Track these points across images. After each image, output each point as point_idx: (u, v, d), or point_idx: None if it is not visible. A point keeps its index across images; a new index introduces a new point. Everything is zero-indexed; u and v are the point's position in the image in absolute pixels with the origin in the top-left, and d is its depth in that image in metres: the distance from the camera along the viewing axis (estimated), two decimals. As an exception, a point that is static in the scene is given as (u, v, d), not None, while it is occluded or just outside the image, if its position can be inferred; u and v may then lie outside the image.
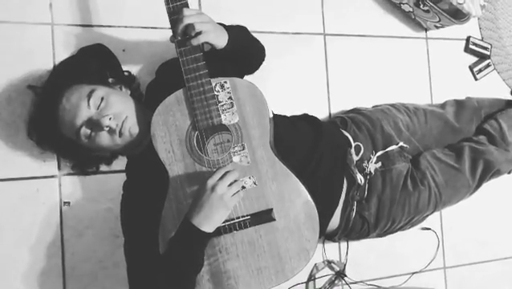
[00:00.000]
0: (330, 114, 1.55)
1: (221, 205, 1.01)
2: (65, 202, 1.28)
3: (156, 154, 1.10)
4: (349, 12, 1.60)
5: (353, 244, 1.51)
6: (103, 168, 1.29)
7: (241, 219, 1.06)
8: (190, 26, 1.05)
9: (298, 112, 1.38)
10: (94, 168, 1.26)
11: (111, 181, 1.31)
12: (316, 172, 1.21)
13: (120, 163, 1.30)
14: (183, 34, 1.07)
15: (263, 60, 1.34)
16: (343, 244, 1.50)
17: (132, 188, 1.20)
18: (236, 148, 1.09)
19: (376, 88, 1.60)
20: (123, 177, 1.26)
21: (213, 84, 1.09)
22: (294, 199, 1.07)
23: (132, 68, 1.33)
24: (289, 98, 1.50)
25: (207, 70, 1.08)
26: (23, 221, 1.24)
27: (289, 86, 1.51)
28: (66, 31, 1.29)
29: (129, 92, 1.23)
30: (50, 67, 1.26)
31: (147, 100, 1.28)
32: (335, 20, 1.58)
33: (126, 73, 1.28)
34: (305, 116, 1.37)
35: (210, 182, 1.01)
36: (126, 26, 1.34)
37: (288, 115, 1.34)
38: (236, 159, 1.08)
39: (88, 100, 1.09)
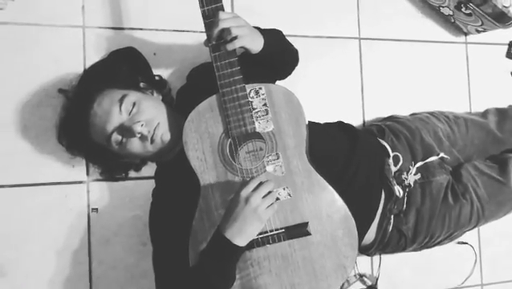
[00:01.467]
0: (364, 121, 1.49)
1: (254, 218, 0.96)
2: (93, 209, 1.25)
3: (186, 161, 1.06)
4: (385, 15, 1.54)
5: (386, 257, 1.45)
6: (131, 174, 1.26)
7: (274, 232, 1.01)
8: (226, 31, 1.01)
9: (331, 119, 1.33)
10: (123, 174, 1.24)
11: (140, 188, 1.28)
12: (352, 184, 1.16)
13: (149, 169, 1.28)
14: (218, 39, 1.03)
15: (296, 65, 1.30)
16: (376, 257, 1.44)
17: (161, 195, 1.17)
18: (270, 158, 1.04)
19: (413, 95, 1.53)
20: (151, 183, 1.23)
21: (248, 90, 1.05)
22: (331, 213, 1.02)
23: (163, 72, 1.29)
24: (321, 104, 1.44)
25: (242, 75, 1.04)
26: (51, 227, 1.22)
27: (322, 92, 1.46)
28: (97, 34, 1.27)
29: (161, 97, 1.20)
30: (81, 70, 1.24)
31: (177, 106, 1.25)
32: (371, 24, 1.52)
33: (157, 77, 1.26)
34: (339, 124, 1.32)
35: (244, 193, 0.97)
36: (157, 29, 1.31)
37: (321, 122, 1.29)
38: (270, 168, 1.04)
39: (120, 106, 1.06)
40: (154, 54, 1.30)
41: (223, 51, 1.03)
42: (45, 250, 1.21)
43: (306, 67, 1.37)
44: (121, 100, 1.07)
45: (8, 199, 1.19)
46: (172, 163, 1.17)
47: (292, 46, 1.26)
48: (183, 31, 1.33)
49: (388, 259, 1.44)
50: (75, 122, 1.10)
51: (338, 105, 1.47)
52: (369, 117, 1.50)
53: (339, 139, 1.22)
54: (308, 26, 1.45)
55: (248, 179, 1.02)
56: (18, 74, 1.21)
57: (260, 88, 1.05)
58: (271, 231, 1.01)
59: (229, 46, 1.02)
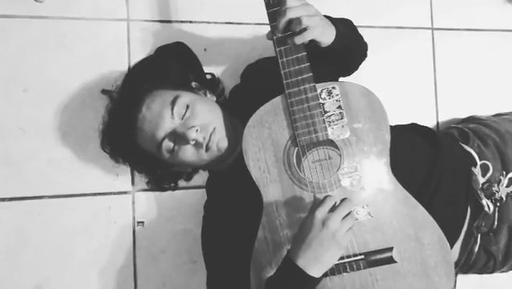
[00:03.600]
0: (438, 123, 1.32)
1: (332, 245, 0.81)
2: (139, 222, 1.13)
3: (245, 172, 0.92)
4: (461, 2, 1.35)
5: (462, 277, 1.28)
6: (180, 182, 1.13)
7: (352, 259, 0.86)
8: (296, 21, 0.86)
9: (400, 121, 1.16)
10: (172, 184, 1.11)
11: (190, 198, 1.15)
12: (435, 198, 0.99)
13: (199, 177, 1.15)
14: (285, 30, 0.88)
15: (364, 60, 1.15)
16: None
17: (215, 210, 1.03)
18: (345, 170, 0.89)
19: (494, 93, 1.34)
20: (203, 193, 1.11)
21: (319, 91, 0.90)
22: (421, 236, 0.86)
23: (214, 70, 1.16)
24: (389, 103, 1.23)
25: (312, 73, 0.90)
26: (94, 241, 1.11)
27: (389, 89, 1.28)
28: (143, 28, 1.14)
29: (215, 99, 1.07)
30: (126, 68, 1.12)
31: (230, 108, 1.11)
32: (445, 12, 1.34)
33: (209, 76, 1.12)
34: (415, 127, 1.15)
35: (320, 215, 0.81)
36: (208, 22, 1.18)
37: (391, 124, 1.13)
38: (345, 182, 0.89)
39: (172, 109, 0.93)
40: (204, 49, 1.17)
41: (290, 45, 0.89)
42: (87, 268, 1.10)
43: (372, 61, 1.19)
44: (173, 103, 0.94)
45: (47, 211, 1.08)
46: (227, 173, 1.04)
47: (363, 38, 1.10)
48: (237, 23, 1.19)
49: (464, 280, 1.28)
50: (120, 127, 0.98)
51: (407, 104, 1.30)
52: (444, 118, 1.32)
53: (419, 145, 1.05)
54: (375, 15, 1.29)
55: (320, 195, 0.87)
56: (57, 73, 1.10)
57: (333, 88, 0.90)
58: (348, 257, 0.86)
59: (299, 39, 0.87)
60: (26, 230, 1.08)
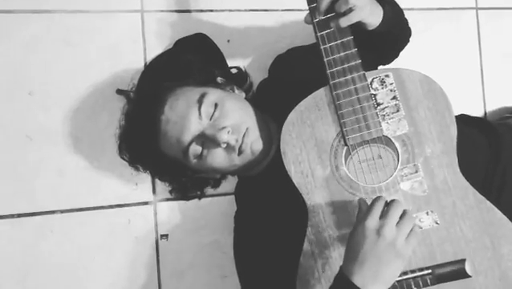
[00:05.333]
0: (485, 112, 1.20)
1: (393, 256, 0.69)
2: (162, 236, 1.02)
3: (281, 176, 0.80)
4: (508, -22, 1.23)
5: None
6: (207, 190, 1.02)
7: (417, 274, 0.73)
8: (339, 1, 0.75)
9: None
10: (198, 192, 0.99)
11: (217, 207, 1.04)
12: (501, 198, 0.86)
13: (226, 183, 1.02)
14: (327, 12, 0.77)
15: (405, 46, 1.03)
16: None
17: (247, 221, 0.92)
18: (405, 171, 0.77)
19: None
20: (231, 200, 1.00)
21: (369, 80, 0.77)
22: (499, 245, 0.73)
23: (238, 63, 1.03)
24: None
25: (360, 60, 0.78)
26: (113, 258, 1.00)
27: (430, 75, 1.17)
28: (158, 19, 1.02)
29: (243, 95, 0.95)
30: (142, 65, 1.01)
31: (259, 106, 1.00)
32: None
33: (234, 70, 1.01)
34: (467, 119, 1.02)
35: (371, 223, 0.69)
36: (231, 10, 1.06)
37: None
38: (405, 186, 0.77)
39: (199, 108, 0.82)
40: (228, 41, 1.05)
41: (334, 29, 0.77)
42: (108, 288, 1.00)
43: (411, 46, 1.08)
44: (200, 101, 0.82)
45: (59, 228, 0.97)
46: (259, 178, 0.92)
47: (408, 22, 0.98)
48: (262, 11, 1.07)
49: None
50: (140, 131, 0.86)
51: (452, 94, 1.12)
52: (492, 107, 1.20)
53: (477, 139, 0.93)
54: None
55: (368, 200, 0.75)
56: (66, 73, 0.99)
57: (387, 76, 0.78)
58: (412, 272, 0.74)
59: (344, 22, 0.75)
60: (38, 249, 0.97)
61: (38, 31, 0.98)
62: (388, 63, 1.04)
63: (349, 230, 0.75)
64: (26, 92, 0.97)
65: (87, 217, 0.99)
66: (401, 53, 1.02)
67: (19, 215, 0.96)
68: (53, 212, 0.97)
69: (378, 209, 0.71)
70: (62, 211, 0.98)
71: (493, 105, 1.20)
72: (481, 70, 1.20)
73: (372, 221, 0.70)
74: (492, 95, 1.20)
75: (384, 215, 0.70)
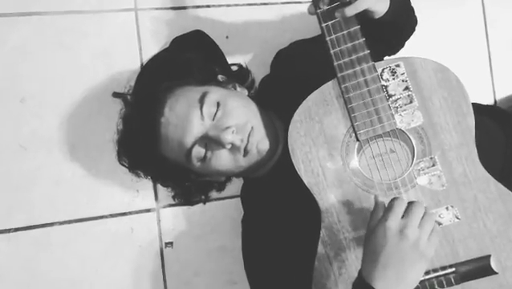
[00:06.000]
0: (495, 100, 1.16)
1: (416, 257, 0.65)
2: (167, 243, 0.98)
3: (289, 176, 0.76)
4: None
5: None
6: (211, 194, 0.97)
7: (440, 273, 0.69)
8: None
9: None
10: (202, 196, 0.95)
11: (223, 211, 1.00)
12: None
13: (231, 185, 0.98)
14: (331, 1, 0.73)
15: (411, 36, 0.99)
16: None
17: (255, 224, 0.88)
18: (421, 164, 0.73)
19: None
20: (236, 203, 0.96)
21: (380, 70, 0.73)
22: (527, 240, 0.70)
23: (238, 60, 0.99)
24: None
25: (369, 50, 0.74)
26: (117, 270, 0.95)
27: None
28: (153, 17, 0.97)
29: (246, 92, 0.90)
30: (138, 66, 0.96)
31: (262, 103, 0.96)
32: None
33: (235, 67, 0.97)
34: (478, 107, 0.98)
35: (393, 224, 0.65)
36: (228, 5, 1.01)
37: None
38: (422, 180, 0.72)
39: (201, 108, 0.78)
40: (226, 37, 1.00)
41: (339, 18, 0.73)
42: (112, 301, 0.96)
43: (416, 35, 1.02)
44: (201, 100, 0.78)
45: (59, 240, 0.93)
46: (266, 179, 0.88)
47: (414, 10, 0.94)
48: (261, 4, 1.03)
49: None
50: (139, 135, 0.81)
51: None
52: (502, 94, 1.15)
53: (492, 128, 0.89)
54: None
55: (385, 198, 0.70)
56: (59, 78, 0.94)
57: (397, 66, 0.74)
58: (435, 271, 0.70)
59: (350, 10, 0.71)
60: (38, 263, 0.92)
61: (27, 35, 0.93)
62: (394, 54, 1.00)
63: (366, 231, 0.71)
64: (17, 99, 0.93)
65: (88, 227, 0.95)
66: (406, 42, 0.99)
67: (16, 229, 0.91)
68: (51, 224, 0.93)
69: (400, 209, 0.67)
70: (61, 223, 0.93)
71: (502, 93, 1.16)
72: (489, 56, 1.16)
73: (394, 221, 0.66)
74: (501, 82, 1.15)
75: (405, 215, 0.66)
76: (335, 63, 0.74)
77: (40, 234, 0.93)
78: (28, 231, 0.92)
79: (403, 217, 0.66)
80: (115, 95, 0.91)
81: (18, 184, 0.92)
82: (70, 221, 0.94)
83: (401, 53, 0.98)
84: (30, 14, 0.93)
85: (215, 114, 0.78)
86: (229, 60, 0.98)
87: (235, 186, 0.98)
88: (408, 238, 0.65)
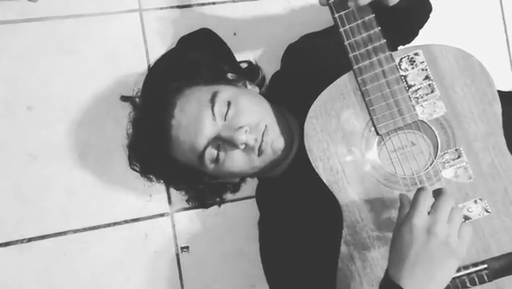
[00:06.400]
0: (515, 86, 1.13)
1: (446, 255, 0.61)
2: (182, 248, 0.95)
3: (306, 175, 0.73)
4: None
5: None
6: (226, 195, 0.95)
7: (472, 270, 0.66)
8: None
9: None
10: (217, 198, 0.92)
11: (239, 212, 0.97)
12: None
13: (246, 186, 0.94)
14: None
15: (425, 24, 0.95)
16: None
17: (274, 226, 0.84)
18: (446, 157, 0.69)
19: None
20: (252, 203, 0.93)
21: (397, 60, 0.70)
22: (562, 232, 0.66)
23: (247, 57, 0.95)
24: None
25: (385, 39, 0.70)
26: (133, 277, 0.93)
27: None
28: (159, 17, 0.95)
29: (257, 90, 0.87)
30: (145, 67, 0.93)
31: (275, 100, 0.93)
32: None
33: (244, 64, 0.93)
34: (503, 95, 0.95)
35: (419, 221, 0.62)
36: (234, 1, 0.98)
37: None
38: (448, 173, 0.69)
39: (212, 108, 0.75)
40: (234, 34, 0.98)
41: (353, 8, 0.70)
42: (129, 310, 0.94)
43: (431, 22, 1.00)
44: (212, 100, 0.75)
45: (72, 249, 0.91)
46: (282, 179, 0.85)
47: None
48: (268, -2, 1.01)
49: None
50: (150, 139, 0.79)
51: None
52: (521, 80, 1.13)
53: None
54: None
55: (410, 193, 0.67)
56: (65, 83, 0.92)
57: (416, 54, 0.70)
58: (466, 268, 0.66)
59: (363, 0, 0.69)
60: (51, 274, 0.91)
61: (30, 42, 0.91)
62: (408, 43, 0.96)
63: (390, 228, 0.68)
64: (24, 108, 0.91)
65: (101, 235, 0.92)
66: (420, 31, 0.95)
67: (29, 240, 0.90)
68: (64, 233, 0.91)
69: (425, 203, 0.63)
70: (74, 231, 0.91)
71: (522, 78, 1.13)
72: (508, 43, 1.12)
73: (421, 218, 0.62)
74: (520, 67, 1.12)
75: (433, 210, 0.63)
76: (351, 55, 0.70)
77: (53, 243, 0.91)
78: (40, 241, 0.91)
79: (431, 212, 0.64)
80: (124, 98, 0.89)
81: (28, 193, 0.90)
82: (83, 230, 0.92)
83: (416, 42, 0.94)
84: (31, 21, 0.91)
85: (226, 113, 0.75)
86: (238, 57, 0.95)
87: (250, 187, 0.95)
88: (436, 236, 0.61)
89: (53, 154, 0.92)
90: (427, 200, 0.64)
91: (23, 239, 0.90)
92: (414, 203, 0.64)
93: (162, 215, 0.95)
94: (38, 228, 0.90)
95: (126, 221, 0.94)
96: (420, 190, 0.65)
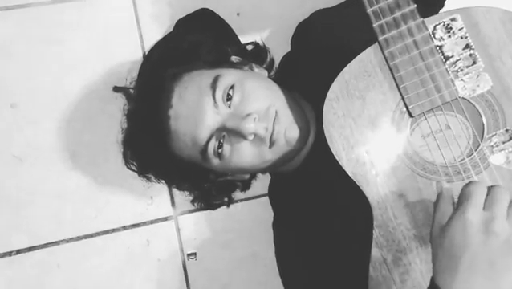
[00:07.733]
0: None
1: (510, 258, 0.51)
2: (189, 255, 0.86)
3: (329, 167, 0.63)
4: None
5: None
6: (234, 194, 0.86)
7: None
8: None
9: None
10: (225, 198, 0.83)
11: (249, 212, 0.89)
12: None
13: (257, 183, 0.85)
14: None
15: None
16: None
17: (291, 228, 0.75)
18: (494, 140, 0.59)
19: None
20: (265, 202, 0.84)
21: (431, 28, 0.60)
22: None
23: (253, 39, 0.85)
24: None
25: (415, 4, 0.60)
26: (135, 288, 0.85)
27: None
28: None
29: (266, 73, 0.77)
30: (140, 55, 0.85)
31: (286, 84, 0.83)
32: None
33: (250, 46, 0.84)
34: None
35: (474, 217, 0.52)
36: (237, -22, 0.90)
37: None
38: (498, 159, 0.58)
39: (213, 93, 0.65)
40: (237, 14, 0.88)
41: (375, -31, 0.60)
42: (133, 325, 0.85)
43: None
44: (214, 85, 0.66)
45: (67, 260, 0.83)
46: (298, 173, 0.75)
47: None
48: (274, -27, 0.91)
49: None
50: (146, 133, 0.70)
51: None
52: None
53: None
54: None
55: (454, 184, 0.57)
56: (52, 76, 0.84)
57: (453, 20, 0.59)
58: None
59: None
60: (45, 287, 0.82)
61: (11, 31, 0.83)
62: (433, 14, 0.87)
63: (429, 226, 0.58)
64: (7, 105, 0.83)
65: (99, 243, 0.84)
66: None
67: (18, 252, 0.81)
68: (57, 243, 0.83)
69: (481, 197, 0.53)
70: (67, 240, 0.83)
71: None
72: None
73: (475, 214, 0.52)
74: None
75: (488, 205, 0.53)
76: (375, 24, 0.60)
77: (45, 254, 0.83)
78: (32, 253, 0.83)
79: (486, 208, 0.53)
80: (116, 89, 0.80)
81: (15, 200, 0.82)
82: (78, 238, 0.84)
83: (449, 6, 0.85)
84: (10, 8, 0.82)
85: (231, 100, 0.66)
86: (242, 40, 0.86)
87: (262, 184, 0.86)
88: (497, 234, 0.51)
89: (41, 155, 0.84)
90: (482, 193, 0.53)
91: (11, 251, 0.82)
92: (465, 196, 0.53)
93: (165, 219, 0.87)
94: (28, 238, 0.83)
95: (125, 228, 0.85)
96: (471, 183, 0.54)
